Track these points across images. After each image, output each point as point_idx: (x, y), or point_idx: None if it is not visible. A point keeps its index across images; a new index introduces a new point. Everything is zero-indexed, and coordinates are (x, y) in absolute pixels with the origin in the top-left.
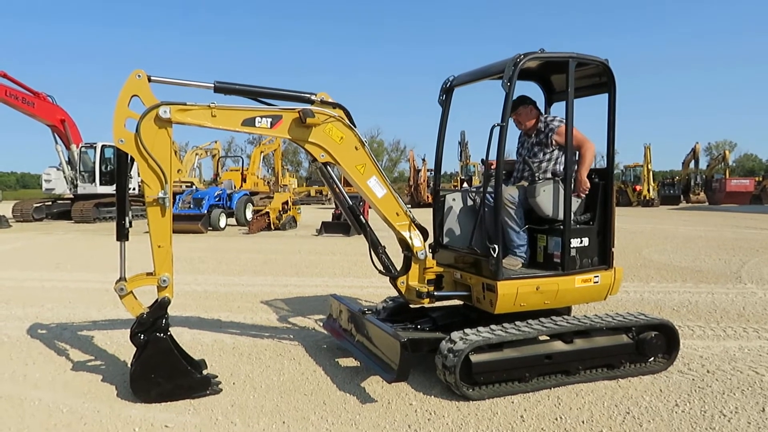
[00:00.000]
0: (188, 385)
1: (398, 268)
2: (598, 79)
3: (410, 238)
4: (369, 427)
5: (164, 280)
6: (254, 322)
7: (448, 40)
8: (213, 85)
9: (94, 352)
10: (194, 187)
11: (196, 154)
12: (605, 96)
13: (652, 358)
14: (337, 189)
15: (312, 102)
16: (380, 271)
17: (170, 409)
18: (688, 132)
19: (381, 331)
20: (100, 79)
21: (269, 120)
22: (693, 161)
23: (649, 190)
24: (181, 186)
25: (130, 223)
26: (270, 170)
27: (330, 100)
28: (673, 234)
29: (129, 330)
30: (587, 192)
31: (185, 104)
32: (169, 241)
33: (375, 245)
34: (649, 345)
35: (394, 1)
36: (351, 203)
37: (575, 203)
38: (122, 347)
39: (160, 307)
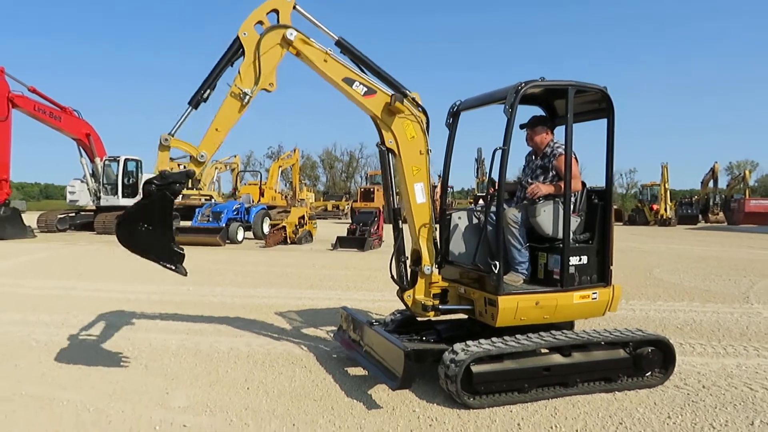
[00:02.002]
0: (163, 249)
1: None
2: (598, 105)
3: (422, 250)
4: (373, 431)
5: (202, 155)
6: (268, 332)
7: (461, 63)
8: (336, 38)
9: (118, 357)
10: (213, 200)
11: (216, 168)
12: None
13: (649, 373)
14: (389, 179)
15: (405, 96)
16: (393, 278)
17: (188, 411)
18: (710, 151)
19: (387, 341)
20: (125, 94)
21: (365, 89)
22: (712, 181)
23: (666, 210)
24: (200, 199)
25: (209, 96)
26: (288, 184)
27: (419, 102)
28: (686, 254)
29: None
30: (532, 197)
31: (309, 38)
32: (226, 132)
33: (400, 253)
34: (646, 360)
35: (404, 23)
36: (398, 205)
37: (574, 222)
38: (143, 353)
39: (185, 174)
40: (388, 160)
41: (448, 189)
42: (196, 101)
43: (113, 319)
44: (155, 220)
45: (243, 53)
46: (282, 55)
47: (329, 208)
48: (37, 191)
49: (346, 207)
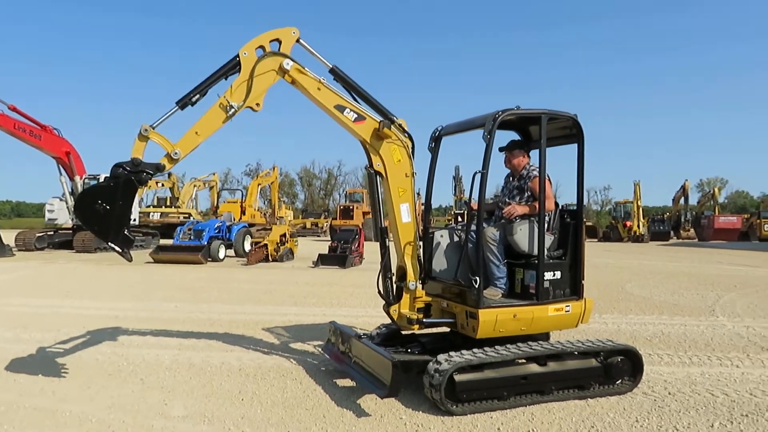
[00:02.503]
0: (115, 231)
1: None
2: (569, 131)
3: (407, 267)
4: None
5: (176, 153)
6: (258, 347)
7: (444, 84)
8: (330, 66)
9: (113, 371)
10: (192, 218)
11: (194, 186)
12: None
13: (619, 381)
14: (377, 199)
15: (393, 122)
16: (379, 292)
17: (187, 420)
18: (684, 168)
19: (375, 353)
20: (106, 113)
21: (355, 116)
22: (683, 198)
23: (639, 226)
24: (178, 217)
25: (197, 101)
26: (266, 202)
27: (406, 129)
28: (657, 269)
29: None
30: (509, 217)
31: (305, 68)
32: (204, 137)
33: (386, 269)
34: (616, 368)
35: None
36: (384, 225)
37: (548, 240)
38: (138, 367)
39: (155, 167)
40: (375, 182)
41: (422, 207)
42: (183, 102)
43: (104, 335)
44: (115, 203)
45: (239, 70)
46: (275, 81)
47: (308, 225)
48: (8, 209)
49: (325, 224)
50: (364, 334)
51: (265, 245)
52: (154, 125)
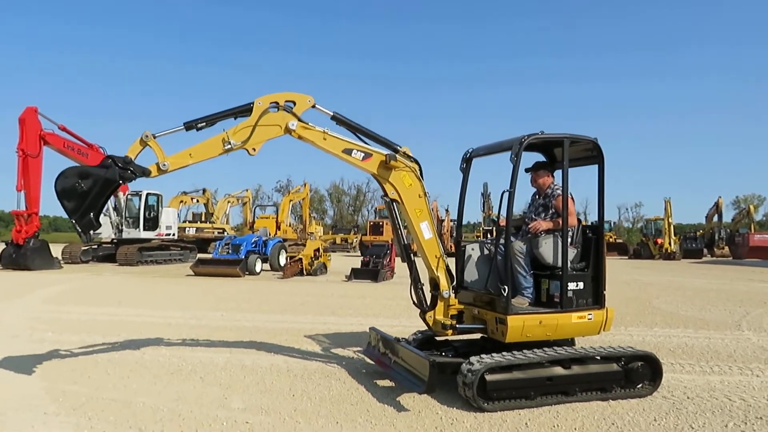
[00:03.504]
0: (83, 213)
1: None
2: (590, 153)
3: (439, 278)
4: (404, 428)
5: (164, 165)
6: (301, 351)
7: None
8: (331, 114)
9: (174, 370)
10: (225, 233)
11: (228, 202)
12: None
13: (640, 385)
14: (397, 224)
15: (397, 152)
16: (414, 302)
17: (246, 412)
18: (719, 185)
19: (413, 353)
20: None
21: (363, 154)
22: (716, 215)
23: (670, 243)
24: (213, 232)
25: (203, 128)
26: (297, 218)
27: (410, 155)
28: (686, 286)
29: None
30: (534, 232)
31: (308, 124)
32: (196, 161)
33: (416, 281)
34: (636, 373)
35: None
36: (407, 242)
37: (572, 253)
38: (196, 367)
39: (142, 170)
40: (393, 208)
41: (452, 223)
42: (189, 125)
43: (161, 340)
44: (93, 187)
45: (249, 115)
46: (277, 135)
47: (338, 241)
48: (46, 224)
49: (355, 240)
50: (402, 338)
51: (300, 259)
52: (156, 135)
